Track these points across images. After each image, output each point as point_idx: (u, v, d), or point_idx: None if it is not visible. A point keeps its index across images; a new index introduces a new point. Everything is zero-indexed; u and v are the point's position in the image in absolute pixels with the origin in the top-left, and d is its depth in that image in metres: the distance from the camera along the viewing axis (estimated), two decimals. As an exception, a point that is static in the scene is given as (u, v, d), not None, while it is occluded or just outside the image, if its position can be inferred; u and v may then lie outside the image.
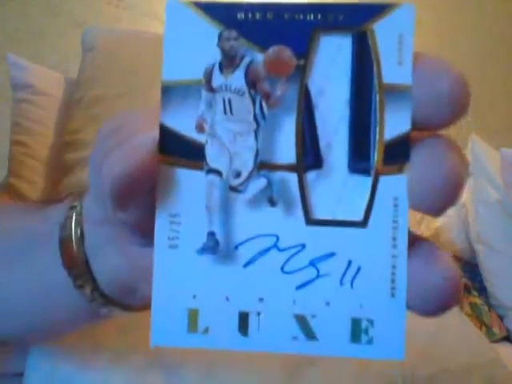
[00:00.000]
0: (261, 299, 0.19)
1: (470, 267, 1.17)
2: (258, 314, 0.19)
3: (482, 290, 1.15)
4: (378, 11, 0.19)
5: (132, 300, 0.26)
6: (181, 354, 0.43)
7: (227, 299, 0.19)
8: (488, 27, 1.70)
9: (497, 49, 1.70)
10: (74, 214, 0.26)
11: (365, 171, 0.19)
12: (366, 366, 0.45)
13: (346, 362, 0.45)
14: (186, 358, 0.43)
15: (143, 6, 1.43)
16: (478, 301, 1.12)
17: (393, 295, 0.19)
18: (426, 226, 1.22)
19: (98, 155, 0.21)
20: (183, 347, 0.19)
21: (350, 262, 0.19)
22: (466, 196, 1.19)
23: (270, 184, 0.19)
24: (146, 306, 0.27)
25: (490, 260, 1.13)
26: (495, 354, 0.57)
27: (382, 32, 0.19)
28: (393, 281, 0.19)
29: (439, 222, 1.22)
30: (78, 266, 0.25)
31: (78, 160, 0.87)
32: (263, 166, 0.19)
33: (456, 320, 0.60)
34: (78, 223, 0.25)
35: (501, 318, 1.11)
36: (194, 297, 0.19)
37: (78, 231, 0.25)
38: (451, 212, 1.21)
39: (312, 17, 0.19)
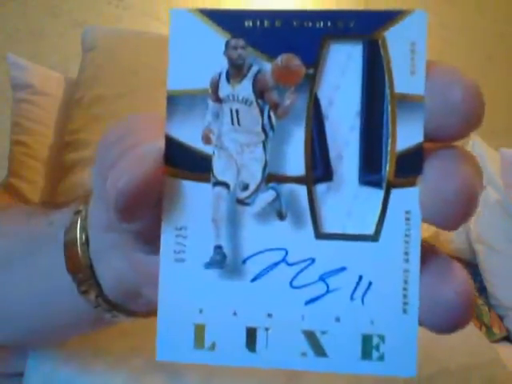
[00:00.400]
0: (269, 315, 0.19)
1: (470, 267, 1.17)
2: (266, 329, 0.19)
3: (482, 290, 1.15)
4: (390, 18, 0.18)
5: (136, 305, 0.26)
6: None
7: (235, 314, 0.19)
8: (488, 28, 1.70)
9: (497, 49, 1.70)
10: (79, 219, 0.26)
11: (376, 184, 0.19)
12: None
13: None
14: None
15: (143, 5, 1.43)
16: (478, 301, 1.12)
17: (405, 311, 0.18)
18: (426, 227, 1.22)
19: (103, 164, 0.20)
20: (189, 363, 0.19)
21: (360, 277, 0.18)
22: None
23: (278, 197, 0.19)
24: (149, 311, 0.26)
25: (490, 260, 1.13)
26: (495, 354, 0.56)
27: (394, 40, 0.18)
28: (405, 296, 0.18)
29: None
30: (82, 271, 0.25)
31: (78, 160, 0.87)
32: (272, 178, 0.19)
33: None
34: (83, 228, 0.25)
35: (501, 318, 1.11)
36: (201, 311, 0.19)
37: (83, 236, 0.25)
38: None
39: (321, 24, 0.18)
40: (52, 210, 0.30)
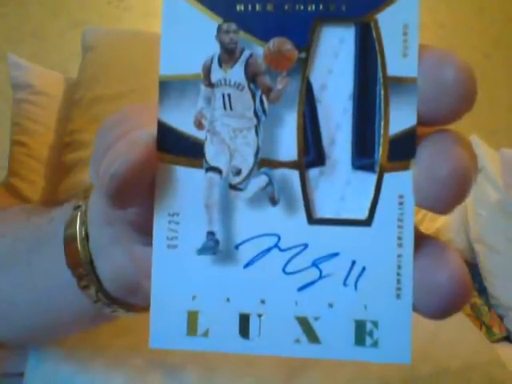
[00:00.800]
0: (262, 301, 0.19)
1: (470, 267, 1.17)
2: (259, 316, 0.19)
3: (482, 290, 1.15)
4: (382, 1, 0.18)
5: (136, 300, 0.26)
6: (181, 355, 0.43)
7: (228, 300, 0.19)
8: (487, 28, 1.70)
9: (497, 49, 1.70)
10: (79, 214, 0.26)
11: (369, 168, 0.18)
12: (365, 366, 0.45)
13: (345, 362, 0.45)
14: (186, 359, 0.43)
15: (143, 5, 1.44)
16: (478, 301, 1.12)
17: (398, 296, 0.18)
18: (426, 226, 1.22)
19: (98, 152, 0.20)
20: (183, 350, 0.19)
21: (353, 262, 0.18)
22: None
23: (271, 182, 0.19)
24: (149, 306, 0.27)
25: (490, 260, 1.13)
26: (495, 354, 0.56)
27: (386, 22, 0.18)
28: (398, 281, 0.18)
29: (439, 222, 1.22)
30: (82, 266, 0.25)
31: (77, 160, 0.87)
32: (264, 163, 0.19)
33: (456, 320, 0.60)
34: (83, 223, 0.25)
35: (501, 318, 1.11)
36: (194, 298, 0.19)
37: (83, 231, 0.25)
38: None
39: (313, 7, 0.18)
40: (52, 207, 0.30)
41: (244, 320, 0.19)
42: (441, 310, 0.18)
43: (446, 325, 0.56)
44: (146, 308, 0.27)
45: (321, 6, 0.18)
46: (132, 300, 0.26)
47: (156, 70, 0.19)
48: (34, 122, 0.94)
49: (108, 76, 0.93)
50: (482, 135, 1.22)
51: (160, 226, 0.19)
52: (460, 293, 0.17)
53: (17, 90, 0.96)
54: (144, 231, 0.21)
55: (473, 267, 1.16)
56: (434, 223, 1.22)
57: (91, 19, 1.37)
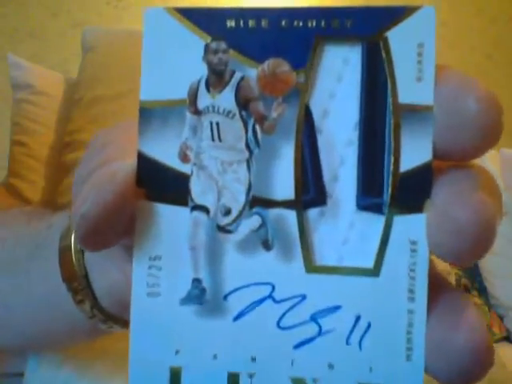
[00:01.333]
0: (253, 359, 0.16)
1: (470, 267, 1.17)
2: (250, 375, 0.16)
3: (482, 290, 1.15)
4: (393, 16, 0.16)
5: None
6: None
7: (215, 357, 0.17)
8: (486, 28, 1.70)
9: (497, 49, 1.70)
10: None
11: (376, 209, 0.16)
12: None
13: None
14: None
15: (143, 6, 1.43)
16: (478, 301, 1.12)
17: (408, 358, 0.16)
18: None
19: (77, 180, 0.19)
20: None
21: (358, 318, 0.16)
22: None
23: (264, 223, 0.16)
24: None
25: (490, 260, 1.13)
26: (495, 354, 0.56)
27: (398, 41, 0.16)
28: (409, 341, 0.16)
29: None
30: (77, 280, 0.24)
31: (77, 160, 0.87)
32: (257, 201, 0.17)
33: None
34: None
35: (501, 318, 1.12)
36: (177, 353, 0.17)
37: (78, 244, 0.24)
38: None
39: (314, 24, 0.16)
40: (51, 212, 0.29)
41: (233, 380, 0.16)
42: (457, 377, 0.15)
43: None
44: None
45: (322, 23, 0.16)
46: (128, 317, 0.25)
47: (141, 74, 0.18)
48: (34, 122, 0.95)
49: (108, 76, 0.93)
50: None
51: (139, 271, 0.17)
52: (478, 359, 0.15)
53: (17, 90, 0.96)
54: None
55: (473, 267, 1.16)
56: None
57: (91, 19, 1.37)
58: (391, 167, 0.16)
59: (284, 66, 0.16)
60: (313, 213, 0.17)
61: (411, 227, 0.16)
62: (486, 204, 0.15)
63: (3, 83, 1.07)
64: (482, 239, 0.15)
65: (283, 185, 0.17)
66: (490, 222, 0.15)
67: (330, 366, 0.16)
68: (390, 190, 0.16)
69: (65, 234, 0.25)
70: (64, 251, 0.24)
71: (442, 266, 1.08)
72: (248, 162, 0.17)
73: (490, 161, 1.17)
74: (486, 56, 1.67)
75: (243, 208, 0.17)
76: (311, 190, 0.17)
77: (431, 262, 0.16)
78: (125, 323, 0.25)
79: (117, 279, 0.22)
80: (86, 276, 0.24)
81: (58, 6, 1.38)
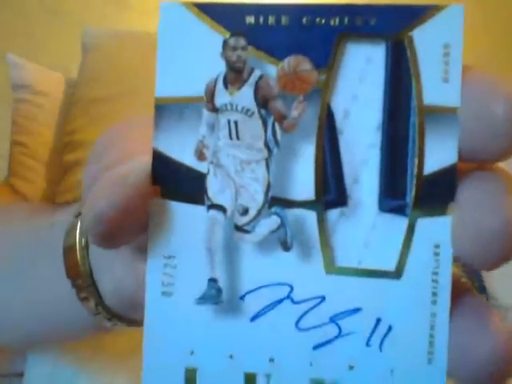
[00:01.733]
0: (271, 359, 0.16)
1: (470, 267, 1.17)
2: (268, 376, 0.16)
3: (482, 290, 1.15)
4: (419, 14, 0.15)
5: (137, 315, 0.24)
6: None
7: (231, 358, 0.16)
8: (486, 27, 1.70)
9: (497, 48, 1.70)
10: (79, 223, 0.24)
11: (399, 211, 0.16)
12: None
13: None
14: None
15: (143, 5, 1.43)
16: (478, 301, 1.12)
17: (430, 361, 0.16)
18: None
19: (85, 184, 0.19)
20: None
21: (378, 320, 0.16)
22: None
23: (283, 224, 0.16)
24: None
25: (490, 260, 1.13)
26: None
27: (423, 40, 0.15)
28: (431, 344, 0.16)
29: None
30: (82, 278, 0.24)
31: (77, 160, 0.87)
32: (275, 201, 0.16)
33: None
34: (83, 233, 0.24)
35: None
36: (192, 353, 0.16)
37: (83, 241, 0.24)
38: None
39: (337, 21, 0.16)
40: (53, 210, 0.29)
41: (250, 380, 0.16)
42: (481, 381, 0.15)
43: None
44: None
45: (346, 20, 0.16)
46: (133, 315, 0.24)
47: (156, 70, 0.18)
48: (34, 122, 0.94)
49: (108, 76, 0.93)
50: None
51: (154, 270, 0.17)
52: (503, 363, 0.15)
53: (17, 90, 0.96)
54: (145, 248, 0.20)
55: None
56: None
57: (91, 19, 1.37)
58: (415, 169, 0.16)
59: (305, 64, 0.16)
60: (333, 214, 0.16)
61: (435, 230, 0.16)
62: None
63: (3, 83, 1.07)
64: (509, 248, 0.14)
65: (303, 185, 0.16)
66: None
67: (350, 368, 0.16)
68: (414, 192, 0.16)
69: (69, 232, 0.25)
70: (68, 249, 0.24)
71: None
72: (267, 161, 0.16)
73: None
74: (487, 55, 1.67)
75: (261, 208, 0.16)
76: (332, 191, 0.16)
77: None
78: (130, 321, 0.25)
79: (124, 277, 0.22)
80: (91, 274, 0.24)
81: (57, 5, 1.38)
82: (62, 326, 0.29)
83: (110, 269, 0.23)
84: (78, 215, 0.25)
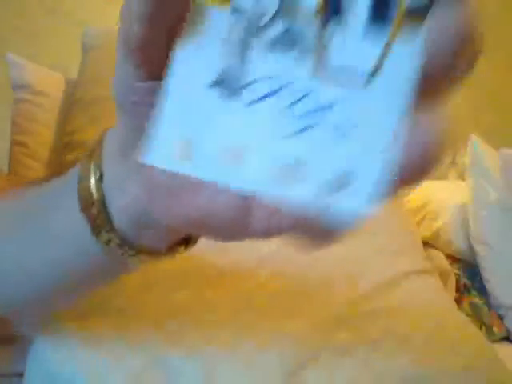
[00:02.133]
0: (254, 139, 0.19)
1: (470, 267, 1.17)
2: (249, 151, 0.19)
3: (482, 290, 1.15)
4: None
5: (147, 239, 0.26)
6: (182, 354, 0.43)
7: (223, 134, 0.19)
8: (486, 27, 1.70)
9: (496, 48, 1.70)
10: (93, 158, 0.26)
11: (386, 21, 0.18)
12: (366, 366, 0.45)
13: (346, 362, 0.45)
14: (186, 358, 0.43)
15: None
16: (478, 301, 1.12)
17: (384, 151, 0.18)
18: (426, 226, 1.22)
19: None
20: (172, 169, 0.19)
21: (351, 113, 0.18)
22: (465, 196, 1.19)
23: (289, 29, 0.19)
24: (159, 249, 0.28)
25: (490, 260, 1.13)
26: (495, 354, 0.57)
27: None
28: (392, 136, 0.18)
29: (439, 222, 1.22)
30: (94, 206, 0.26)
31: (77, 160, 0.87)
32: (286, 9, 0.19)
33: (455, 320, 0.60)
34: (97, 166, 0.26)
35: (501, 317, 1.12)
36: (192, 128, 0.19)
37: (98, 173, 0.26)
38: (451, 212, 1.21)
39: None
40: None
41: (235, 154, 0.19)
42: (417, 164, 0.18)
43: (445, 325, 0.56)
44: (153, 253, 0.28)
45: None
46: (143, 240, 0.26)
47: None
48: (34, 122, 0.95)
49: (108, 76, 0.92)
50: (482, 135, 1.22)
51: (182, 55, 0.19)
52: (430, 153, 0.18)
53: (16, 90, 0.96)
54: (152, 73, 0.20)
55: (473, 267, 1.16)
56: (434, 223, 1.22)
57: (91, 19, 1.37)
58: None
59: None
60: (330, 23, 0.18)
61: (412, 37, 0.18)
62: (469, 16, 0.17)
63: (3, 83, 1.07)
64: (467, 42, 0.17)
65: None
66: (471, 30, 0.17)
67: (316, 152, 0.18)
68: (401, 2, 0.18)
69: (82, 169, 0.26)
70: (82, 181, 0.26)
71: (443, 266, 1.08)
72: None
73: (489, 161, 1.18)
74: (487, 55, 1.68)
75: (275, 14, 0.19)
76: (331, 3, 0.18)
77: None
78: (140, 249, 0.27)
79: (136, 194, 0.24)
80: (103, 202, 0.25)
81: (57, 5, 1.38)
82: (75, 268, 0.30)
83: (124, 189, 0.25)
84: (91, 152, 0.26)
